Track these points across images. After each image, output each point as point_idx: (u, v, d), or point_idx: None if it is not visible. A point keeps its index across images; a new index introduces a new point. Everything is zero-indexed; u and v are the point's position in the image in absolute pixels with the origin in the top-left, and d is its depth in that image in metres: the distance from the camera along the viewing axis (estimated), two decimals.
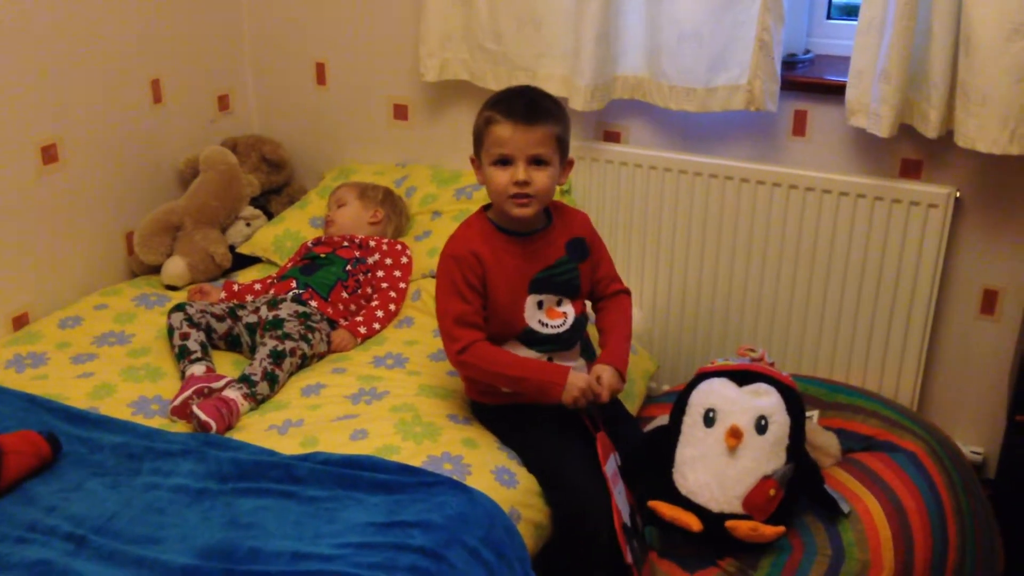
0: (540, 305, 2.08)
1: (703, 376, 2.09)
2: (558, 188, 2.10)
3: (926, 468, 2.13)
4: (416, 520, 1.77)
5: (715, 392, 2.04)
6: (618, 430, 2.12)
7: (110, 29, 2.67)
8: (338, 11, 3.01)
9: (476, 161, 2.05)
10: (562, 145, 2.01)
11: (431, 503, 1.82)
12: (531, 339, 2.07)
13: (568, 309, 2.10)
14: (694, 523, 1.95)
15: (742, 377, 2.05)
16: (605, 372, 2.03)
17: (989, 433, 2.58)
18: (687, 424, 2.04)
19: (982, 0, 2.14)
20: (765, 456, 1.96)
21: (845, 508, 2.01)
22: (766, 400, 2.00)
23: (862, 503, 2.03)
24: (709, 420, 2.01)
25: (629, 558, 1.92)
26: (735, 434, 1.96)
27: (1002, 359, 2.52)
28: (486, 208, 2.11)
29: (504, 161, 1.97)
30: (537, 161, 1.97)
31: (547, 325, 2.08)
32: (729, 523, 1.94)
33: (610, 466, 2.01)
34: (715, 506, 1.97)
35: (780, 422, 1.98)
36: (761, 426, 1.98)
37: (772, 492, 1.95)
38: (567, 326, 2.09)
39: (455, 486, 1.87)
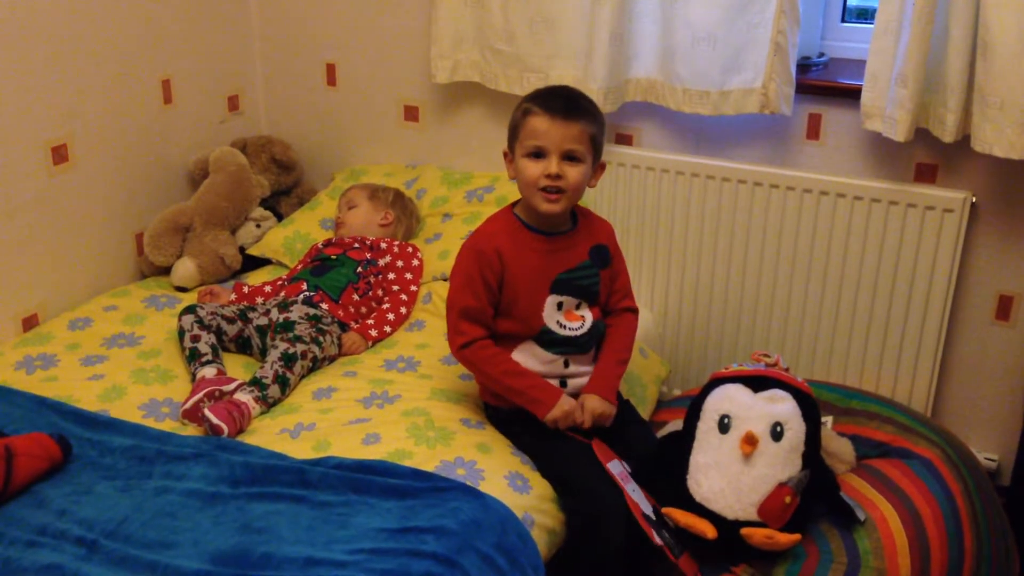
0: (560, 307, 2.07)
1: (717, 382, 2.08)
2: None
3: (942, 475, 2.12)
4: (429, 526, 1.76)
5: (730, 398, 2.02)
6: (629, 433, 2.12)
7: (120, 29, 2.66)
8: (349, 12, 3.00)
9: (508, 155, 2.05)
10: (595, 145, 2.02)
11: (444, 509, 1.80)
12: (548, 340, 2.07)
13: (586, 313, 2.10)
14: (709, 530, 1.94)
15: (757, 383, 2.04)
16: (590, 400, 2.05)
17: (1004, 440, 2.57)
18: (701, 430, 2.03)
19: (1000, 3, 2.13)
20: (780, 463, 1.95)
21: (861, 516, 1.99)
22: (782, 406, 1.99)
23: (878, 510, 2.02)
24: (724, 426, 2.00)
25: (658, 540, 1.91)
26: (750, 441, 1.95)
27: (1017, 365, 2.50)
28: (514, 205, 2.11)
29: (538, 154, 1.98)
30: (571, 157, 1.98)
31: (565, 327, 2.07)
32: (744, 531, 1.93)
33: (615, 467, 2.00)
34: (730, 513, 1.95)
35: (796, 429, 1.97)
36: (777, 433, 1.96)
37: (788, 499, 1.94)
38: (584, 330, 2.09)
39: (468, 491, 1.86)
